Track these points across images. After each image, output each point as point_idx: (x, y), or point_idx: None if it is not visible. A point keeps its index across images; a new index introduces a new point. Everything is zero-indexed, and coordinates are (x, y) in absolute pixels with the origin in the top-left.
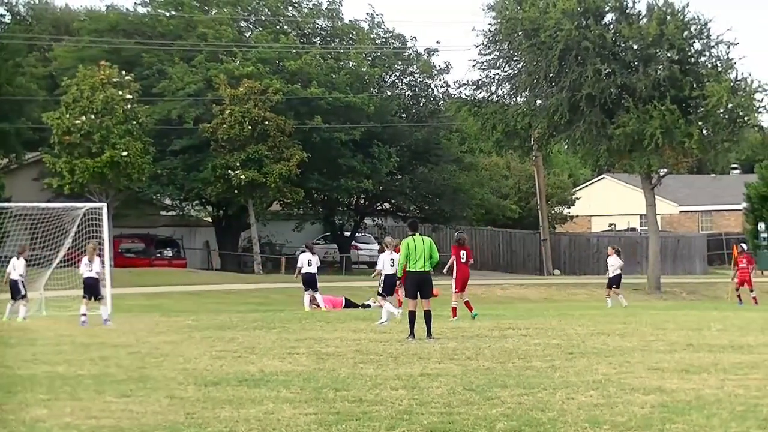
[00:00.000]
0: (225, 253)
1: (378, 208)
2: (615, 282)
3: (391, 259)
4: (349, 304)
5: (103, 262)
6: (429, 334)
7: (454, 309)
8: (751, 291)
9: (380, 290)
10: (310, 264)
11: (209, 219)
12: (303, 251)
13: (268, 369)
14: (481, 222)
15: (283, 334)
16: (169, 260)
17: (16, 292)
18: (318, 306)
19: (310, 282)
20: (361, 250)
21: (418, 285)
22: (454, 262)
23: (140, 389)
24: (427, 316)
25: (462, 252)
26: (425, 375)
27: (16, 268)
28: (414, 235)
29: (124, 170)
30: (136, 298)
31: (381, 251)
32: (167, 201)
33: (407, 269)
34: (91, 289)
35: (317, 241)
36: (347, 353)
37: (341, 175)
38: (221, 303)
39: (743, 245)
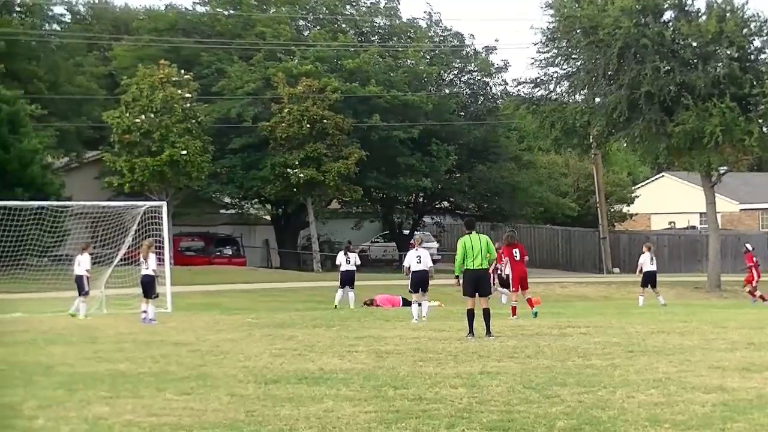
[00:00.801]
0: (284, 251)
1: (437, 206)
2: (647, 280)
3: (418, 256)
4: (406, 303)
5: (159, 260)
6: (488, 332)
7: (513, 308)
8: (745, 286)
9: (409, 288)
10: (348, 261)
11: (268, 217)
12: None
13: (328, 367)
14: (540, 220)
15: (343, 332)
16: (229, 258)
17: (81, 287)
18: (378, 304)
19: (348, 280)
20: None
21: (476, 283)
22: (508, 262)
23: (201, 387)
24: (486, 314)
25: (515, 250)
26: (485, 373)
27: (81, 263)
28: (470, 233)
29: (184, 169)
30: (195, 296)
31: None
32: (226, 199)
33: (465, 267)
34: (146, 287)
35: (377, 239)
36: (407, 351)
37: (400, 173)
38: (281, 301)
39: (748, 245)
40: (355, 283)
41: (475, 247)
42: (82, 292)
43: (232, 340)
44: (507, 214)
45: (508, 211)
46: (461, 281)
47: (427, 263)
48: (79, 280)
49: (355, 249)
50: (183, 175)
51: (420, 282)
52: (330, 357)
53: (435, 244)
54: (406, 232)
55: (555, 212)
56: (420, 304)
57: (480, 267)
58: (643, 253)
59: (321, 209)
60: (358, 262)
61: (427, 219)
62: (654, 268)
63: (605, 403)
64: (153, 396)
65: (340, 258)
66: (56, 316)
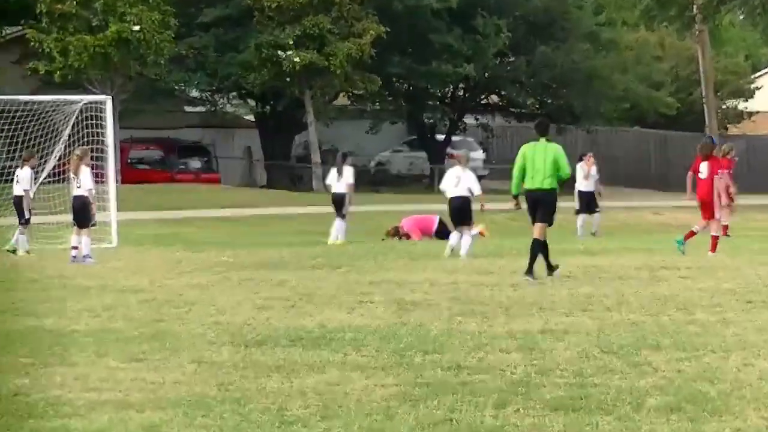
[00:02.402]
0: (273, 163)
1: (482, 102)
2: None
3: (457, 176)
4: (443, 229)
5: (98, 175)
6: (529, 271)
7: (713, 240)
8: None
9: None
10: (339, 180)
11: (252, 117)
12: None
13: (332, 324)
14: (625, 121)
15: (353, 275)
16: (197, 174)
17: (19, 213)
18: (408, 236)
19: (337, 203)
20: None
21: (533, 207)
22: (693, 178)
23: (156, 350)
24: (536, 246)
25: (702, 165)
26: (548, 332)
27: (20, 180)
28: (538, 140)
29: (136, 50)
30: (150, 225)
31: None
32: (194, 93)
33: (524, 186)
34: (78, 213)
35: (400, 148)
36: (440, 302)
37: (432, 57)
38: (267, 233)
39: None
40: (374, 208)
41: (537, 159)
42: (21, 218)
43: (200, 286)
44: (579, 113)
45: (580, 108)
46: (519, 202)
47: (470, 188)
48: (17, 203)
49: (347, 162)
50: (135, 59)
51: (458, 212)
52: (335, 310)
53: (480, 155)
54: (441, 137)
55: (646, 109)
56: (462, 236)
57: (540, 187)
58: None
59: (324, 106)
60: (350, 181)
61: (469, 120)
62: None
63: (714, 372)
64: (90, 363)
65: (331, 176)
66: None
